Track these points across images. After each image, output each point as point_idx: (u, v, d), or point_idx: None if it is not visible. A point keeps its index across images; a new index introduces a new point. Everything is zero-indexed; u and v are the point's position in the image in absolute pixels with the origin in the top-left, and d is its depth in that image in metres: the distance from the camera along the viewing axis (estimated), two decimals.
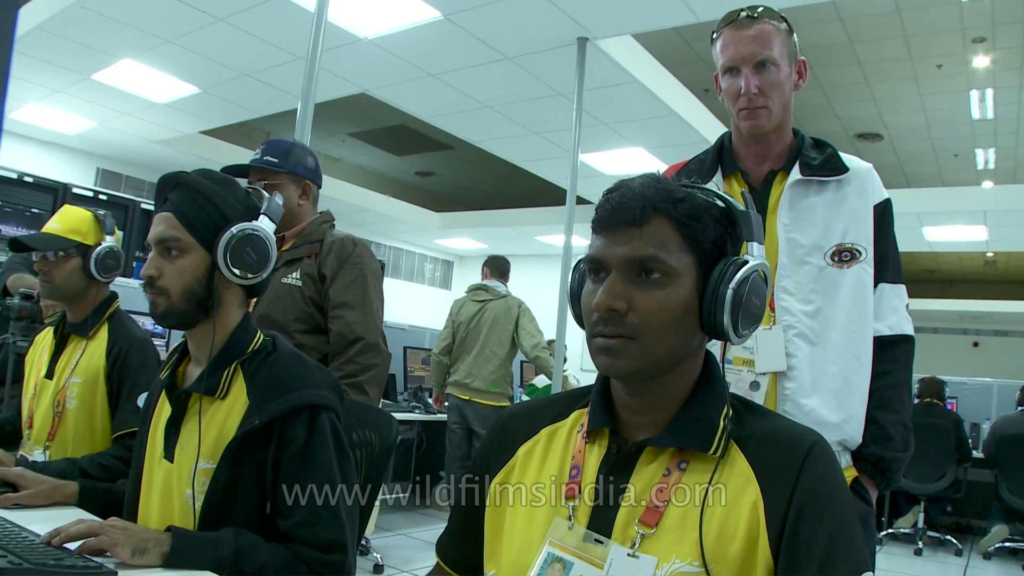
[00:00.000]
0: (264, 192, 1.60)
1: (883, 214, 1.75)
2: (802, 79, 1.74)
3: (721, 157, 1.80)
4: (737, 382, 1.70)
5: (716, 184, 1.74)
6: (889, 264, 1.76)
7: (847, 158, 1.74)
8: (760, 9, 1.68)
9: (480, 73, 6.42)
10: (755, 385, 1.69)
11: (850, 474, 1.70)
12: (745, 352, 1.70)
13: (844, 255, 1.70)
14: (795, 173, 1.71)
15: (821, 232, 1.70)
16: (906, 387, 1.75)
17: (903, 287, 1.78)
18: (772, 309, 1.69)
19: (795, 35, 1.71)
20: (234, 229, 1.45)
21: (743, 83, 1.65)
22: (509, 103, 7.10)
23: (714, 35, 1.73)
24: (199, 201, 1.47)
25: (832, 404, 1.66)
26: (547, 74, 6.32)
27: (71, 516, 1.34)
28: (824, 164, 1.71)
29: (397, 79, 6.70)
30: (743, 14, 1.68)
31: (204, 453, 1.41)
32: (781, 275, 1.69)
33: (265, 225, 1.51)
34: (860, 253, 1.71)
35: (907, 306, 1.78)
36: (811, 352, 1.67)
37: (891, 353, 1.73)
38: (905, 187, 10.63)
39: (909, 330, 1.76)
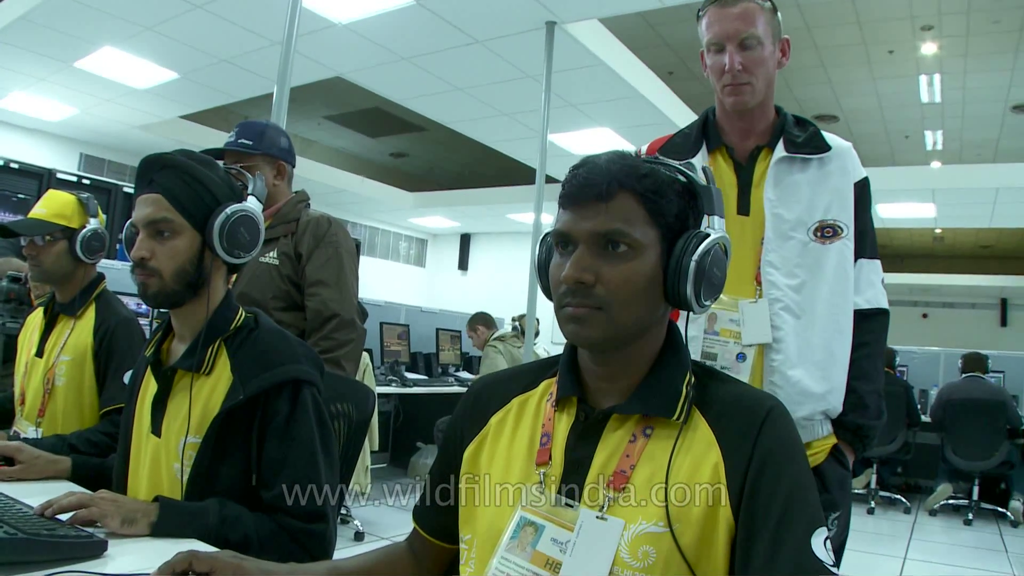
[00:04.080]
0: (246, 173, 1.61)
1: (862, 192, 1.76)
2: (785, 57, 1.74)
3: (706, 132, 1.80)
4: (724, 353, 1.71)
5: (702, 158, 1.74)
6: (867, 240, 1.77)
7: (829, 137, 1.75)
8: None
9: (452, 57, 6.49)
10: (741, 356, 1.70)
11: (831, 441, 1.73)
12: (732, 324, 1.71)
13: (827, 231, 1.71)
14: (780, 150, 1.71)
15: (805, 208, 1.71)
16: (881, 358, 1.79)
17: (879, 262, 1.81)
18: (759, 283, 1.71)
19: (779, 14, 1.72)
20: (228, 210, 1.46)
21: (727, 60, 1.66)
22: (480, 85, 7.17)
23: (700, 12, 1.73)
24: (189, 183, 1.45)
25: (816, 375, 1.68)
26: (516, 57, 6.39)
27: (63, 489, 1.35)
28: (807, 142, 1.72)
29: (371, 63, 6.75)
30: None
31: (190, 428, 1.42)
32: (767, 249, 1.70)
33: (255, 206, 1.52)
34: (842, 229, 1.72)
35: (882, 280, 1.81)
36: (796, 325, 1.69)
37: (868, 325, 1.76)
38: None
39: (885, 304, 1.80)
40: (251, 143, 2.36)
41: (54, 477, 1.65)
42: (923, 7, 6.81)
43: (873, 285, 1.79)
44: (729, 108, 1.73)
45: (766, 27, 1.67)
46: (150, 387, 1.52)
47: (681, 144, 1.79)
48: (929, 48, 7.56)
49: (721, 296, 1.46)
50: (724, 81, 1.69)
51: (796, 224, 1.71)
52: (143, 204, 1.45)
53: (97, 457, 1.82)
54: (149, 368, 1.54)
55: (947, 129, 9.68)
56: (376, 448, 5.36)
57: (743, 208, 1.73)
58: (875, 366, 1.77)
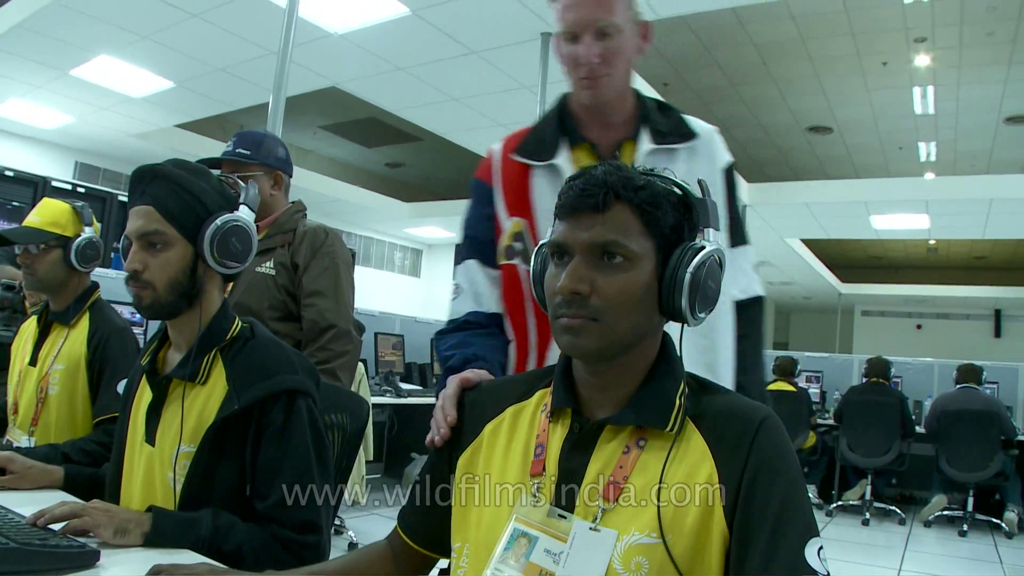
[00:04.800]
0: (240, 182, 1.59)
1: (730, 177, 1.66)
2: (645, 41, 1.59)
3: (564, 126, 1.63)
4: None
5: (564, 158, 1.58)
6: (737, 227, 1.68)
7: (693, 122, 1.63)
8: None
9: (447, 67, 6.51)
10: None
11: None
12: None
13: None
14: (645, 142, 1.57)
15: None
16: (761, 347, 1.71)
17: (750, 248, 1.72)
18: None
19: None
20: (219, 221, 1.45)
21: (583, 51, 1.49)
22: (475, 96, 7.20)
23: None
24: (179, 193, 1.44)
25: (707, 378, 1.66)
26: (512, 68, 6.41)
27: (55, 499, 1.35)
28: (673, 130, 1.60)
29: (367, 73, 6.79)
30: None
31: (185, 437, 1.41)
32: None
33: (246, 215, 1.51)
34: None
35: (755, 265, 1.73)
36: (678, 329, 1.63)
37: (747, 316, 1.68)
38: (854, 177, 10.95)
39: (760, 290, 1.72)
40: (249, 153, 2.37)
41: (47, 487, 1.64)
42: (917, 19, 6.88)
43: (746, 273, 1.69)
44: (585, 102, 1.58)
45: (625, 12, 1.52)
46: (145, 396, 1.52)
47: (539, 143, 1.62)
48: (923, 60, 7.63)
49: None
50: (579, 74, 1.52)
51: None
52: (135, 216, 1.45)
53: (90, 466, 1.81)
54: (144, 377, 1.53)
55: (941, 140, 9.77)
56: (371, 458, 5.36)
57: None
58: (757, 357, 1.70)
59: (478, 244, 1.61)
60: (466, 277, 1.60)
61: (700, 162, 1.60)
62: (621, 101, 1.60)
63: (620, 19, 1.50)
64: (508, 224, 1.57)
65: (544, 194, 1.55)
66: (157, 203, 1.44)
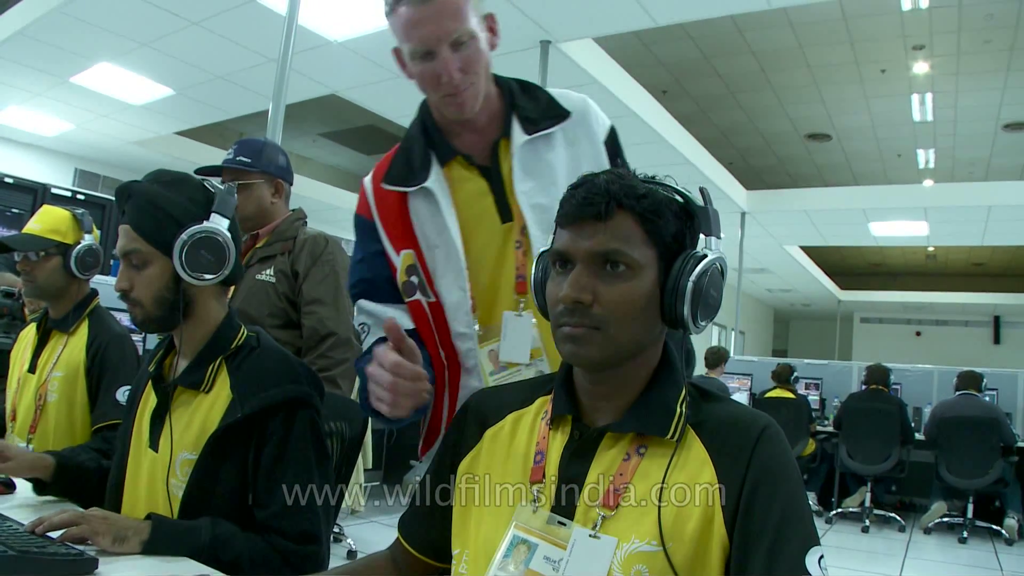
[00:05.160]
0: (218, 187, 1.56)
1: (613, 146, 1.53)
2: (496, 35, 1.46)
3: (432, 140, 1.50)
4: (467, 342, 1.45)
5: (436, 180, 1.46)
6: None
7: (564, 99, 1.51)
8: None
9: None
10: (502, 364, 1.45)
11: None
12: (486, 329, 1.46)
13: None
14: (518, 134, 1.45)
15: (563, 189, 1.44)
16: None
17: None
18: (520, 293, 1.44)
19: None
20: (184, 235, 1.43)
21: (444, 67, 1.35)
22: None
23: (387, 9, 1.39)
24: (150, 210, 1.45)
25: None
26: (511, 76, 6.40)
27: (54, 507, 1.38)
28: (545, 114, 1.48)
29: (366, 80, 6.79)
30: None
31: (187, 444, 1.42)
32: (536, 250, 1.30)
33: (217, 223, 1.48)
34: None
35: None
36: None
37: None
38: (852, 184, 11.01)
39: None
40: (249, 161, 2.36)
41: (39, 475, 1.64)
42: (915, 27, 6.89)
43: None
44: (453, 117, 1.45)
45: (474, 13, 1.38)
46: (150, 402, 1.52)
47: (408, 166, 1.49)
48: (921, 67, 7.65)
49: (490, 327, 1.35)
50: (443, 91, 1.39)
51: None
52: (120, 235, 1.47)
53: (87, 474, 1.77)
54: (150, 383, 1.54)
55: (939, 148, 9.78)
56: (370, 466, 5.34)
57: (506, 215, 1.46)
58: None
59: (373, 285, 1.50)
60: (365, 313, 1.50)
61: (580, 143, 1.50)
62: (487, 103, 1.47)
63: (472, 23, 1.37)
64: (398, 260, 1.47)
65: (424, 220, 1.45)
66: (133, 221, 1.45)
